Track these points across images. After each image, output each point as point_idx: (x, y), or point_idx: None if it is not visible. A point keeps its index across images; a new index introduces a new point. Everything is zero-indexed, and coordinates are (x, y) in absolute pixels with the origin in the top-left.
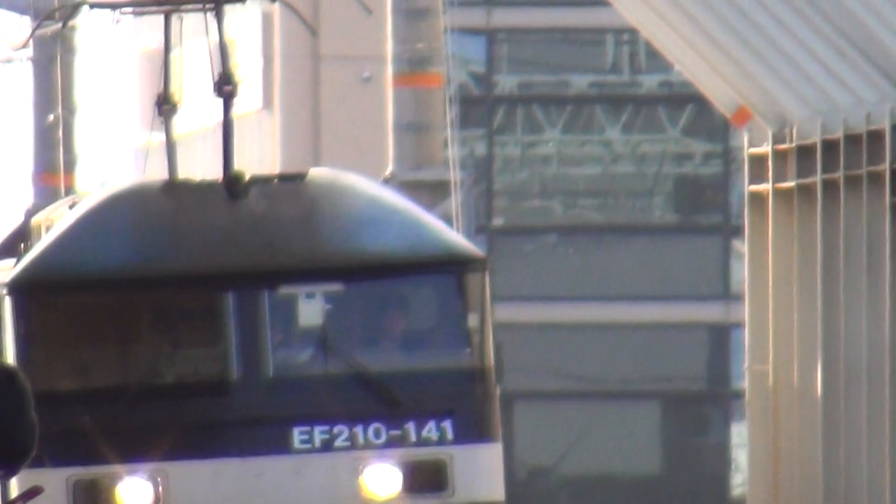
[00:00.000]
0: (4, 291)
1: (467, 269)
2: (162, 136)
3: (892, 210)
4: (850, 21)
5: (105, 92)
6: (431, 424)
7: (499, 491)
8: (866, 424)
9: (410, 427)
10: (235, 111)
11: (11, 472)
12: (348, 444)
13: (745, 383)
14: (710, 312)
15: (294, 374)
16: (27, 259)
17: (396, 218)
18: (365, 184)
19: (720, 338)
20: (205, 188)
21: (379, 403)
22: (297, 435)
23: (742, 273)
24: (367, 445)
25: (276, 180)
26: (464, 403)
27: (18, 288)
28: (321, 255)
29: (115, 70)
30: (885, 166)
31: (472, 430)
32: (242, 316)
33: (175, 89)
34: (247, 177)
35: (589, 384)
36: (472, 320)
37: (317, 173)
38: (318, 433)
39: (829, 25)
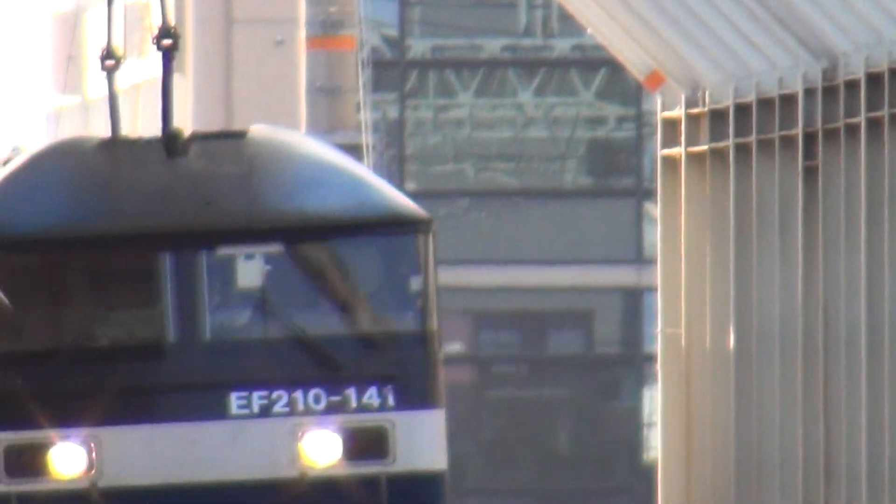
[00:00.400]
0: None
1: (411, 230)
2: (73, 100)
3: (804, 174)
4: None
5: (15, 55)
6: (373, 390)
7: (441, 459)
8: (779, 388)
9: (351, 393)
10: (146, 76)
11: None
12: (287, 409)
13: (658, 347)
14: (622, 276)
15: (232, 338)
16: None
17: (339, 177)
18: (307, 142)
19: (633, 301)
20: (142, 145)
21: (319, 368)
22: (234, 400)
23: (655, 237)
24: (307, 411)
25: (215, 137)
26: (406, 369)
27: None
28: (261, 215)
29: (25, 33)
30: (798, 130)
31: (415, 397)
32: (179, 277)
33: (116, 44)
34: (186, 134)
35: None
36: (416, 283)
37: (258, 130)
38: (256, 398)
39: None
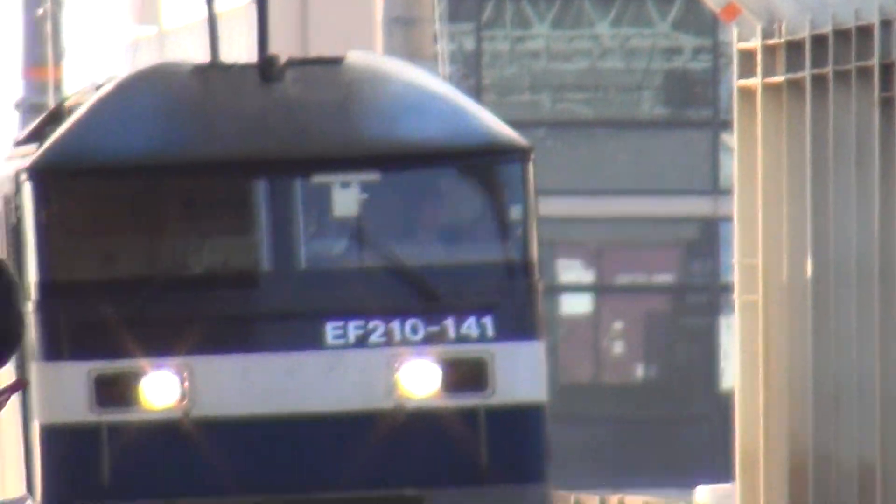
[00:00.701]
0: (24, 177)
1: (512, 158)
2: (149, 30)
3: (880, 105)
4: None
5: None
6: (471, 321)
7: (541, 391)
8: (856, 320)
9: (449, 323)
10: (222, 6)
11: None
12: (384, 340)
13: (734, 277)
14: (699, 206)
15: (328, 267)
16: (49, 143)
17: (438, 104)
18: (405, 68)
19: (709, 232)
20: (237, 71)
21: (417, 298)
22: (330, 330)
23: (731, 167)
24: (404, 342)
25: (312, 63)
26: (506, 299)
27: (38, 173)
28: (358, 142)
29: None
30: (874, 61)
31: (514, 327)
32: (274, 205)
33: None
34: (282, 59)
35: None
36: (516, 213)
37: (355, 57)
38: (353, 328)
39: None
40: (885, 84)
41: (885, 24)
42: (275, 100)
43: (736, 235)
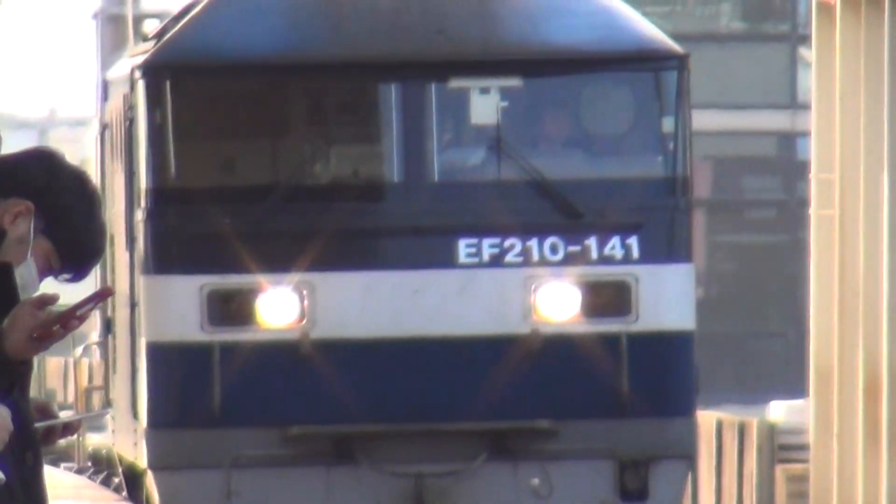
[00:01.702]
0: (138, 74)
1: (664, 66)
2: None
3: None
4: None
5: None
6: (616, 240)
7: (690, 318)
8: None
9: (592, 243)
10: None
11: (80, 275)
12: (521, 259)
13: (811, 192)
14: (777, 120)
15: (462, 180)
16: (166, 39)
17: (586, 6)
18: None
19: (787, 146)
20: None
21: (557, 215)
22: (462, 247)
23: (809, 82)
24: (542, 262)
25: None
26: (654, 218)
27: (152, 70)
28: (499, 45)
29: None
30: None
31: (662, 249)
32: (407, 111)
33: None
34: None
35: None
36: (668, 125)
37: None
38: (487, 246)
39: None
40: None
41: None
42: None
43: (813, 150)
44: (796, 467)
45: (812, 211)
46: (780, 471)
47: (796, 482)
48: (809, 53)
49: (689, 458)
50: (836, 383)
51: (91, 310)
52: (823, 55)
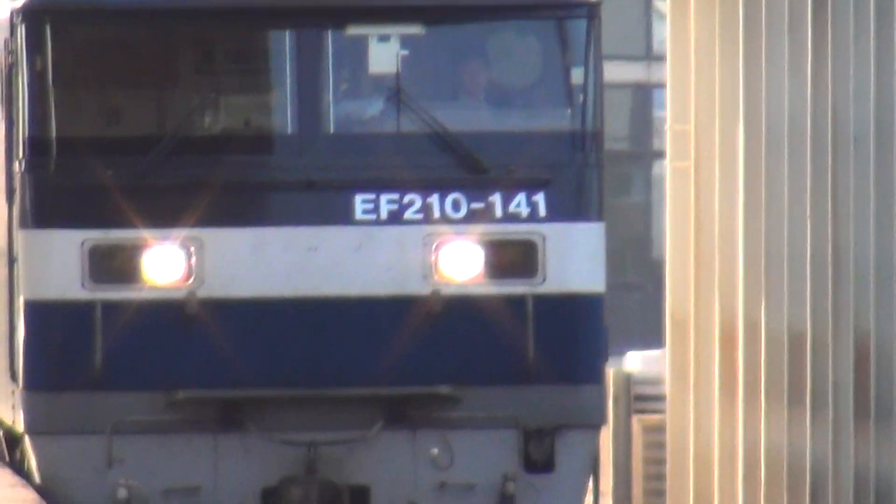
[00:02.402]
0: (18, 18)
1: (573, 13)
2: None
3: None
4: None
5: None
6: (521, 197)
7: (599, 280)
8: (787, 185)
9: (496, 199)
10: None
11: None
12: (420, 216)
13: (667, 144)
14: (632, 72)
15: (360, 132)
16: None
17: None
18: None
19: (642, 97)
20: None
21: (460, 170)
22: (359, 203)
23: (664, 33)
24: (444, 219)
25: None
26: (562, 174)
27: (32, 13)
28: None
29: None
30: None
31: (571, 207)
32: (302, 59)
33: None
34: None
35: None
36: (578, 76)
37: None
38: (385, 202)
39: None
40: None
41: None
42: None
43: (668, 101)
44: (653, 418)
45: (668, 163)
46: (636, 421)
47: (653, 432)
48: (664, 4)
49: (597, 427)
50: (692, 334)
51: None
52: (678, 6)
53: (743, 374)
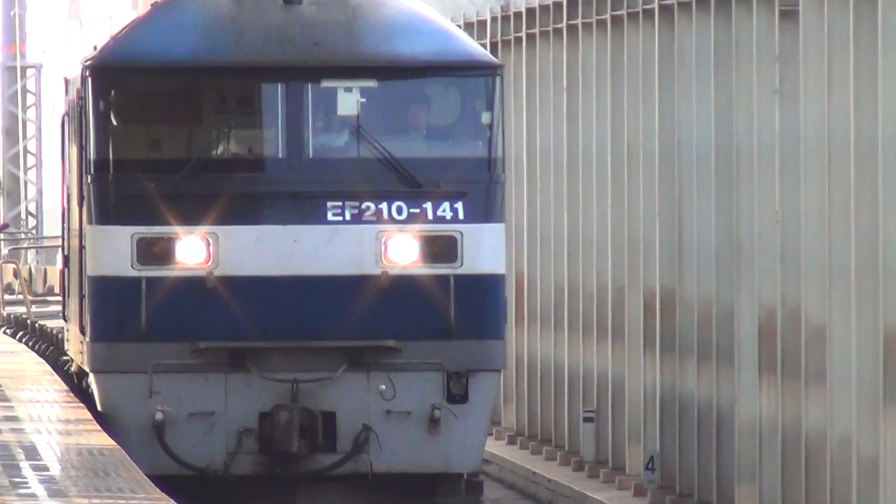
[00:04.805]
0: (86, 73)
1: (484, 73)
2: None
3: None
4: None
5: None
6: (446, 205)
7: (500, 265)
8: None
9: (428, 206)
10: None
11: None
12: (374, 218)
13: None
14: None
15: (331, 156)
16: (107, 47)
17: (427, 27)
18: None
19: None
20: None
21: (402, 185)
22: (330, 208)
23: None
24: (390, 220)
25: None
26: (475, 188)
27: (95, 69)
28: (360, 55)
29: None
30: None
31: (481, 212)
32: (289, 103)
33: None
34: None
35: None
36: (486, 118)
37: None
38: (349, 208)
39: None
40: None
41: None
42: (293, 19)
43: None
44: None
45: None
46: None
47: None
48: None
49: (499, 371)
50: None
51: None
52: None
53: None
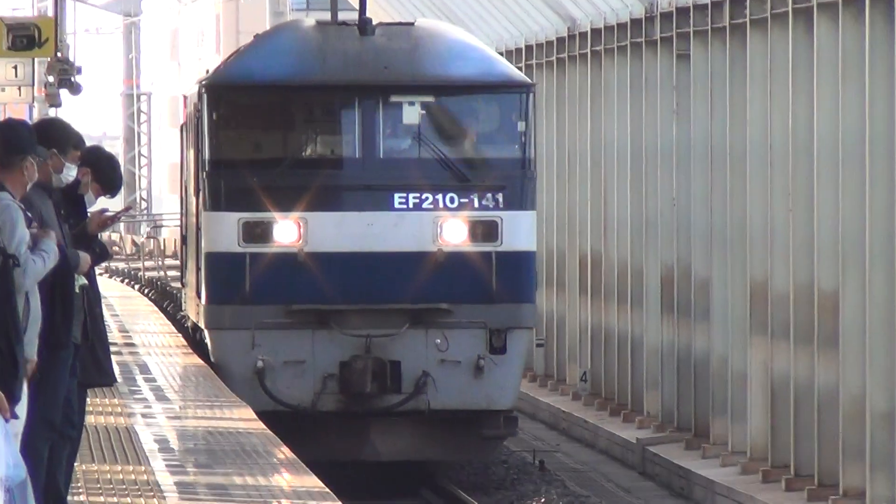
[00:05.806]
0: (202, 90)
1: (521, 90)
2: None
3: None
4: None
5: None
6: (489, 196)
7: (532, 244)
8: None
9: (475, 197)
10: None
11: (113, 195)
12: (432, 206)
13: None
14: None
15: (397, 157)
16: (218, 69)
17: (474, 54)
18: (455, 30)
19: None
20: (343, 27)
21: (454, 180)
22: (396, 198)
23: None
24: (445, 208)
25: (393, 24)
26: (512, 183)
27: (210, 88)
28: (420, 77)
29: None
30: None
31: (517, 202)
32: (364, 115)
33: None
34: (374, 22)
35: None
36: (521, 126)
37: (422, 22)
38: (411, 198)
39: None
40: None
41: None
42: (367, 46)
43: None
44: None
45: None
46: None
47: None
48: None
49: (531, 328)
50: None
51: (122, 214)
52: None
53: None
